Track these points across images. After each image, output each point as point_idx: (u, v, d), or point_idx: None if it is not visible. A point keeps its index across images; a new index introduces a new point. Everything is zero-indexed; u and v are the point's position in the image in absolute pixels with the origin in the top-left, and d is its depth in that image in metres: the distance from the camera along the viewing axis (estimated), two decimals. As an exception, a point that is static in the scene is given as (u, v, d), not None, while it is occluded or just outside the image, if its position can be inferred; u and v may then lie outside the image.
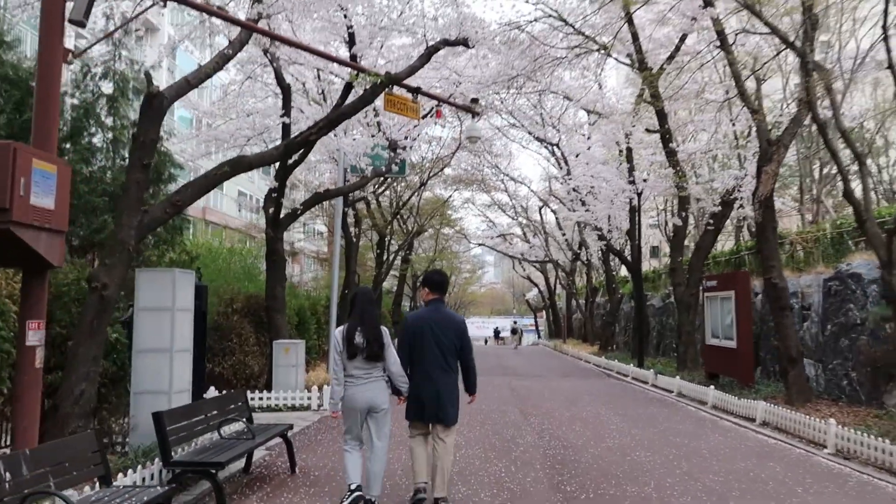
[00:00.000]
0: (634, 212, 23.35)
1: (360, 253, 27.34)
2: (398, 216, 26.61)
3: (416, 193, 25.29)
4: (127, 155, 13.46)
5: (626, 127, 21.78)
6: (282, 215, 13.23)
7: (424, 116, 15.00)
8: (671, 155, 17.51)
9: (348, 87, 12.03)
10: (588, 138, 27.60)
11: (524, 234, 42.76)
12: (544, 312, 58.16)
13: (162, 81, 30.61)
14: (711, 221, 17.52)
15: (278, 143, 13.61)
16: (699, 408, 12.36)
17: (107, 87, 13.45)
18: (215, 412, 6.30)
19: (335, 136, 14.32)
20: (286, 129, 12.92)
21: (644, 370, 17.63)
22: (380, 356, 5.37)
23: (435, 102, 12.14)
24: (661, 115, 17.16)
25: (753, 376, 13.40)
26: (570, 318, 40.03)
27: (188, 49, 35.80)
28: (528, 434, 9.31)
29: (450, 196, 29.06)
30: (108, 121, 13.25)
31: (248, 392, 11.75)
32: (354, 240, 19.94)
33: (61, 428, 6.20)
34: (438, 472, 5.46)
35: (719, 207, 17.22)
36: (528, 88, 23.65)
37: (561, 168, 28.64)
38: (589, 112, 25.70)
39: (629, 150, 22.41)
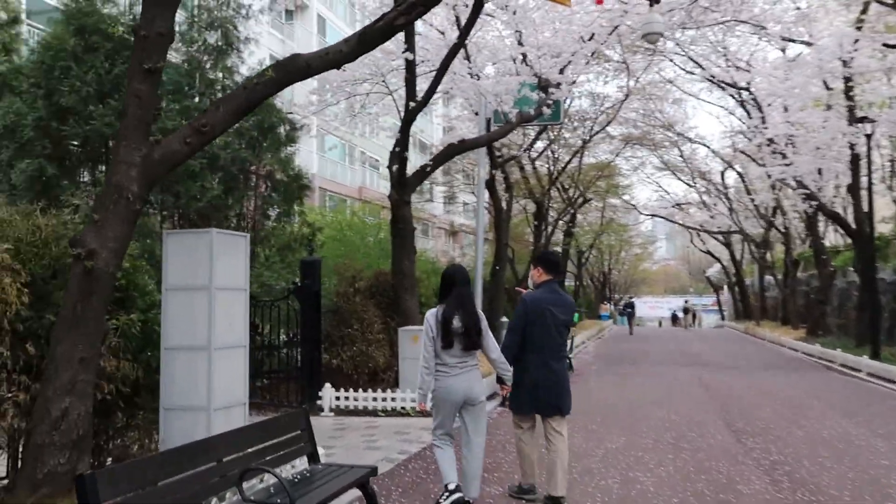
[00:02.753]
0: (858, 161, 18.48)
1: (514, 226, 24.66)
2: (557, 184, 23.48)
3: (577, 154, 21.99)
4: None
5: (844, 51, 17.08)
6: (409, 174, 10.88)
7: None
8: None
9: (479, 5, 9.36)
10: (786, 80, 22.65)
11: (703, 201, 37.65)
12: (726, 291, 52.06)
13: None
14: None
15: (402, 90, 11.28)
16: None
17: (211, 38, 11.83)
18: (244, 452, 3.90)
19: (471, 74, 11.70)
20: (410, 66, 10.52)
21: (889, 365, 13.28)
22: (478, 344, 4.84)
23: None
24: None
25: None
26: (763, 296, 34.60)
27: (337, 26, 35.09)
28: (753, 474, 6.09)
29: (616, 155, 25.31)
30: (213, 75, 11.61)
31: (371, 392, 9.57)
32: (505, 207, 17.25)
33: (33, 467, 4.16)
34: (558, 469, 4.96)
35: None
36: (711, 20, 19.43)
37: (751, 117, 23.90)
38: (789, 42, 20.82)
39: (847, 80, 17.62)
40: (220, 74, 11.80)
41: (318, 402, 9.46)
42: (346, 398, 9.49)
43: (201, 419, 4.81)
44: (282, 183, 12.12)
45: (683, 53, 23.27)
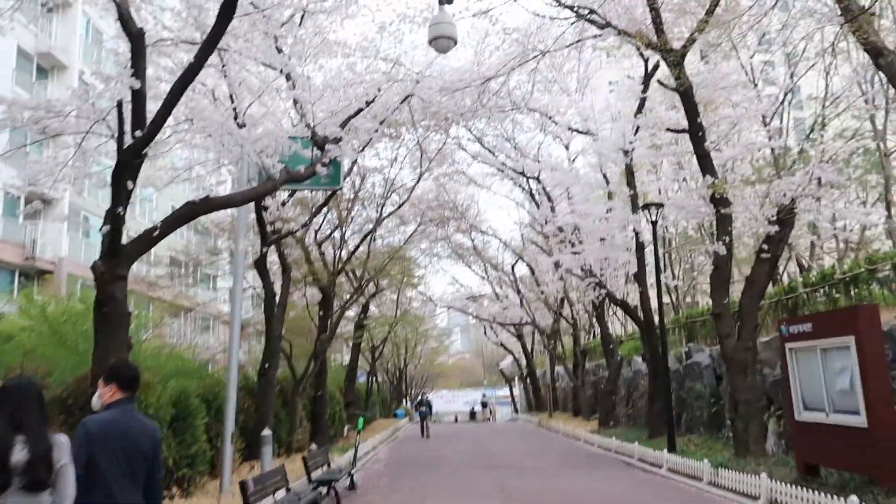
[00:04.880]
0: (642, 249, 18.69)
1: (295, 318, 21.95)
2: (346, 270, 21.37)
3: (368, 237, 20.17)
4: None
5: (625, 141, 17.43)
6: (126, 240, 8.05)
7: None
8: (704, 159, 12.97)
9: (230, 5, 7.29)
10: (571, 171, 23.15)
11: (495, 293, 37.82)
12: (519, 383, 52.73)
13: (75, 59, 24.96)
14: (766, 247, 12.78)
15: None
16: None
17: None
18: None
19: (226, 116, 9.34)
20: (138, 97, 7.89)
21: (688, 459, 12.39)
22: (48, 483, 3.55)
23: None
24: (689, 101, 12.64)
25: (907, 473, 8.37)
26: (553, 387, 34.73)
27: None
28: None
29: (408, 238, 23.90)
30: None
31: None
32: (280, 293, 14.62)
33: None
34: None
35: (776, 227, 12.54)
36: (502, 102, 19.00)
37: (539, 207, 24.02)
38: (577, 133, 21.25)
39: (629, 168, 17.96)
40: None
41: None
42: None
43: None
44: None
45: (475, 139, 23.02)
